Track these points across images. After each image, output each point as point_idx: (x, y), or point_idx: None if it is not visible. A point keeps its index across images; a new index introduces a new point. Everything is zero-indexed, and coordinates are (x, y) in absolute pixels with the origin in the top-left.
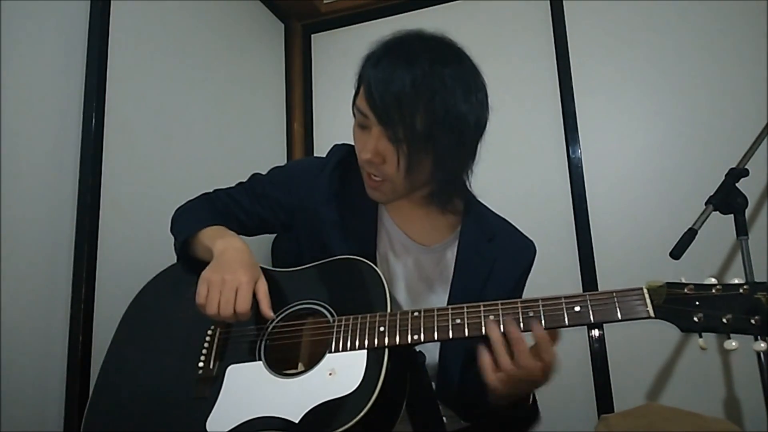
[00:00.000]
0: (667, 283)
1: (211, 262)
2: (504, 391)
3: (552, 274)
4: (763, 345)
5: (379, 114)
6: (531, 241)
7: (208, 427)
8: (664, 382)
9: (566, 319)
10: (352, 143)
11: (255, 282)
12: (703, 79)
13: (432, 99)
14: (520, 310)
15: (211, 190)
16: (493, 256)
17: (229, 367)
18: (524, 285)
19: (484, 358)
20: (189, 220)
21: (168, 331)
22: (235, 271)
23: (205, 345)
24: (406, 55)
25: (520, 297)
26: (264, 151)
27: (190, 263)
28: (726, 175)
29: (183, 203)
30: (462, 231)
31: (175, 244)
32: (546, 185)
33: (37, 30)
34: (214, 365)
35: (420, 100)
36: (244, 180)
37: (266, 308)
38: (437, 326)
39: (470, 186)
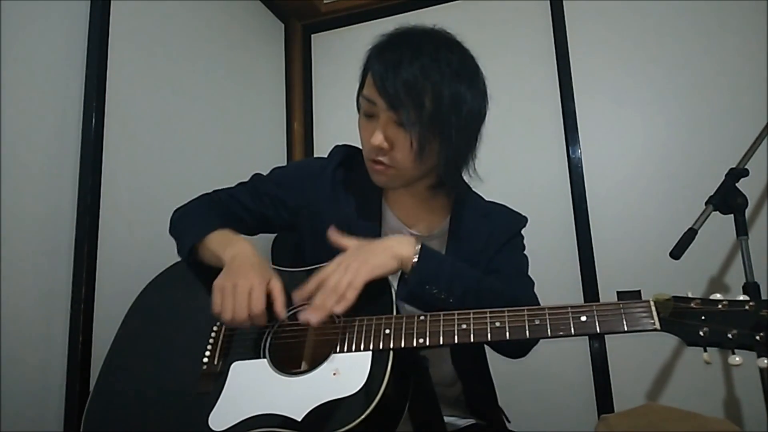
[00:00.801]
0: (674, 296)
1: (223, 269)
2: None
3: (552, 274)
4: (766, 361)
5: (389, 99)
6: (524, 216)
7: (210, 423)
8: (664, 383)
9: (572, 329)
10: (353, 144)
11: (267, 282)
12: (703, 79)
13: (440, 83)
14: (526, 317)
15: (210, 191)
16: (488, 230)
17: (234, 364)
18: (519, 248)
19: None
20: (194, 224)
21: (173, 327)
22: (246, 275)
23: (210, 341)
24: (412, 43)
25: (514, 258)
26: (264, 151)
27: (196, 265)
28: (726, 175)
29: (182, 204)
30: (455, 210)
31: (179, 247)
32: (546, 185)
33: (37, 30)
34: (218, 361)
35: (428, 84)
36: (245, 180)
37: (280, 306)
38: (443, 331)
39: (475, 169)
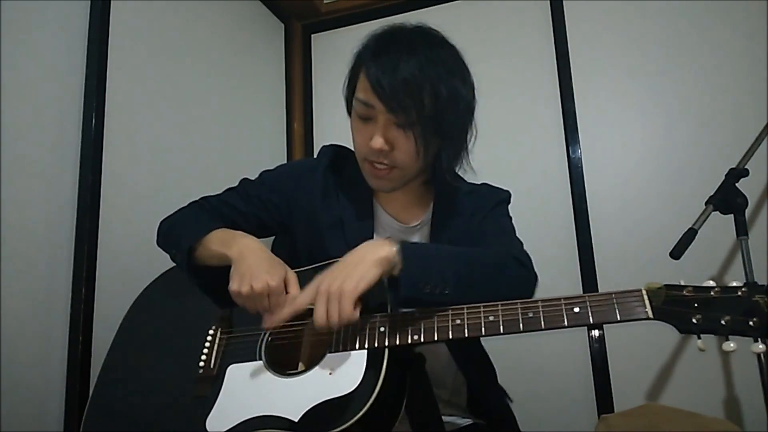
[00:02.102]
0: (666, 285)
1: (232, 271)
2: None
3: (552, 274)
4: (761, 347)
5: (388, 101)
6: (506, 190)
7: (207, 426)
8: (664, 382)
9: (566, 320)
10: (342, 144)
11: (283, 278)
12: (703, 79)
13: (437, 81)
14: (519, 310)
15: (198, 198)
16: (472, 205)
17: (230, 367)
18: (503, 214)
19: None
20: (190, 227)
21: (169, 331)
22: (258, 276)
23: (206, 345)
24: (405, 43)
25: (497, 222)
26: (264, 151)
27: (196, 269)
28: (726, 175)
29: (170, 214)
30: (437, 192)
31: (174, 254)
32: (546, 185)
33: (37, 30)
34: (214, 364)
35: (427, 83)
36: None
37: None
38: (437, 327)
39: (469, 163)
